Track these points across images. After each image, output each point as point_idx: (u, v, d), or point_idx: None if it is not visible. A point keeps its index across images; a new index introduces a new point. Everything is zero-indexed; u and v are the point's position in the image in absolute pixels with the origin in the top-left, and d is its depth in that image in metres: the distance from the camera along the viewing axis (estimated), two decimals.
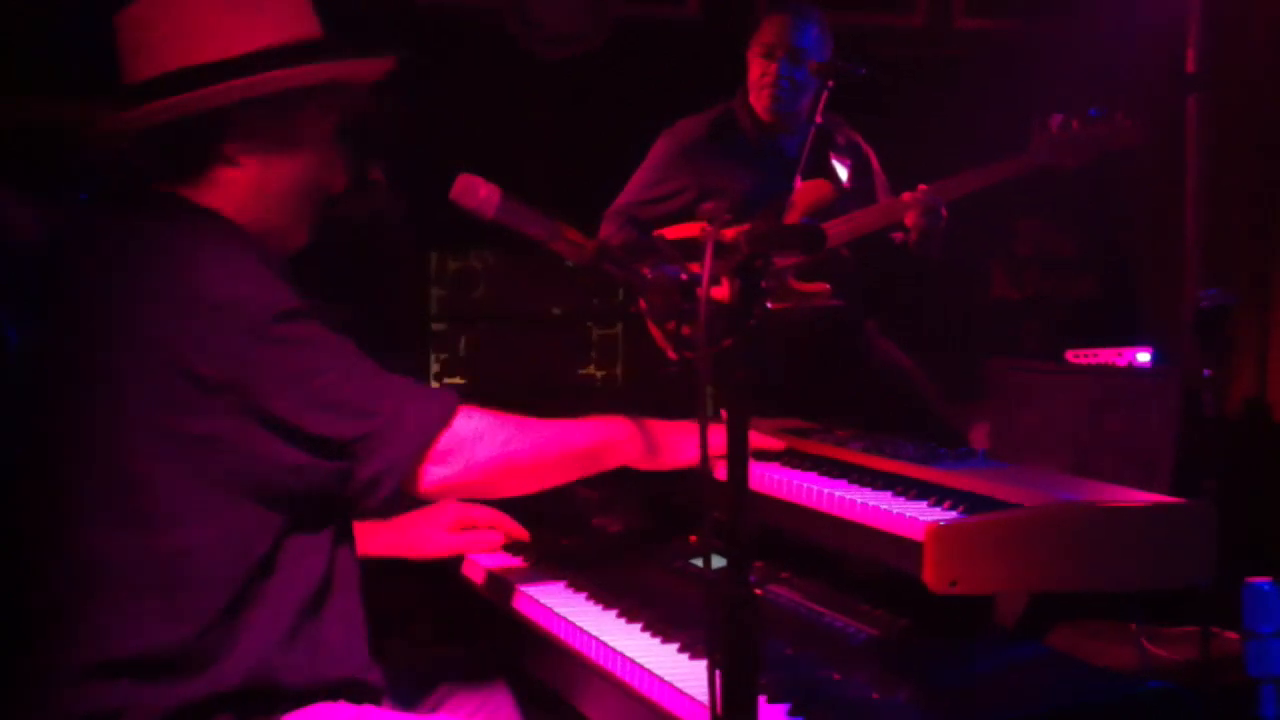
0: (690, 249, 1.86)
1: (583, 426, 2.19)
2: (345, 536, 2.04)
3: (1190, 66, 5.17)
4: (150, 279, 1.89)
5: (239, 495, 1.88)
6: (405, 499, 2.06)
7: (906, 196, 3.89)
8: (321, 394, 1.89)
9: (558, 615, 2.22)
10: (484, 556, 2.58)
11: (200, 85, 1.96)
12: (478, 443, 2.02)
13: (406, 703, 2.21)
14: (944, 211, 3.89)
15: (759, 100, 4.15)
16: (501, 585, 2.46)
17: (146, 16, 2.03)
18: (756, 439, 2.40)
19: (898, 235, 4.00)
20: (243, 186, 2.02)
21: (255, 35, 2.01)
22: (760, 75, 4.13)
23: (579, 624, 2.16)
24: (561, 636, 2.19)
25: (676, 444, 2.25)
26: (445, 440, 1.99)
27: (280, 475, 1.89)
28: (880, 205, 4.03)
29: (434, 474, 1.99)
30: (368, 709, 1.99)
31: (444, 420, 1.99)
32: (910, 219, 3.87)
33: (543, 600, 2.31)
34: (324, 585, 1.97)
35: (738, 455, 1.64)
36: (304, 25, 2.07)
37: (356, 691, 2.00)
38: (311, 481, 1.91)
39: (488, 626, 2.49)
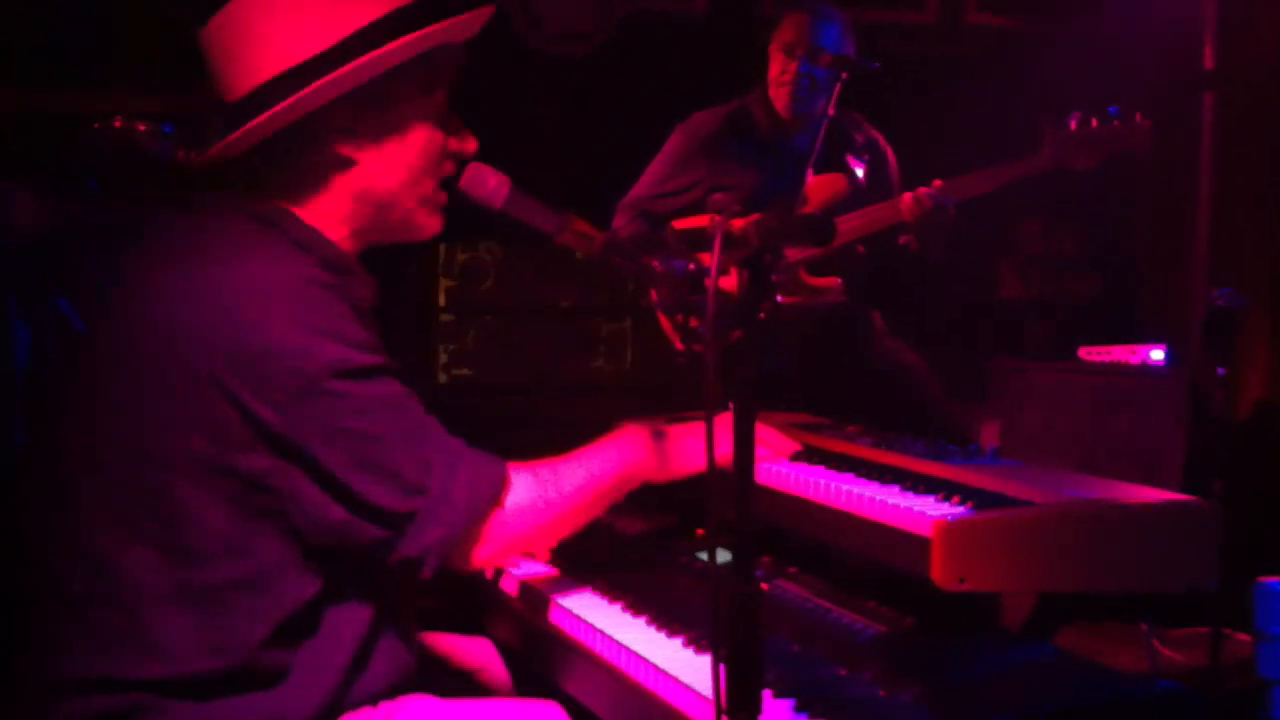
0: (699, 240, 1.84)
1: (607, 460, 2.13)
2: (394, 584, 1.97)
3: (1207, 64, 5.15)
4: (218, 309, 1.82)
5: (278, 538, 1.84)
6: None
7: (922, 191, 3.87)
8: (374, 459, 1.83)
9: (562, 607, 2.22)
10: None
11: (292, 90, 1.88)
12: (521, 516, 1.97)
13: None
14: (952, 210, 3.87)
15: (778, 97, 4.14)
16: (502, 576, 2.45)
17: (229, 26, 1.95)
18: (774, 439, 2.37)
19: (902, 238, 3.99)
20: (360, 188, 1.97)
21: (340, 22, 1.92)
22: (780, 73, 4.12)
23: (584, 617, 2.15)
24: (565, 629, 2.18)
25: (690, 451, 2.20)
26: (493, 520, 1.94)
27: (322, 529, 1.84)
28: (888, 202, 4.01)
29: (480, 553, 1.95)
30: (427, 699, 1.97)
31: (494, 500, 1.94)
32: (915, 215, 3.85)
33: (547, 591, 2.31)
34: (372, 632, 1.93)
35: (744, 448, 1.63)
36: (391, 2, 1.96)
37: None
38: (352, 543, 1.86)
39: (486, 611, 2.47)
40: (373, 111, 1.95)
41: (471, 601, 2.54)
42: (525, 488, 1.98)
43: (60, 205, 2.79)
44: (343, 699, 1.90)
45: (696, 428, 2.20)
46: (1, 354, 2.27)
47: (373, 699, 1.94)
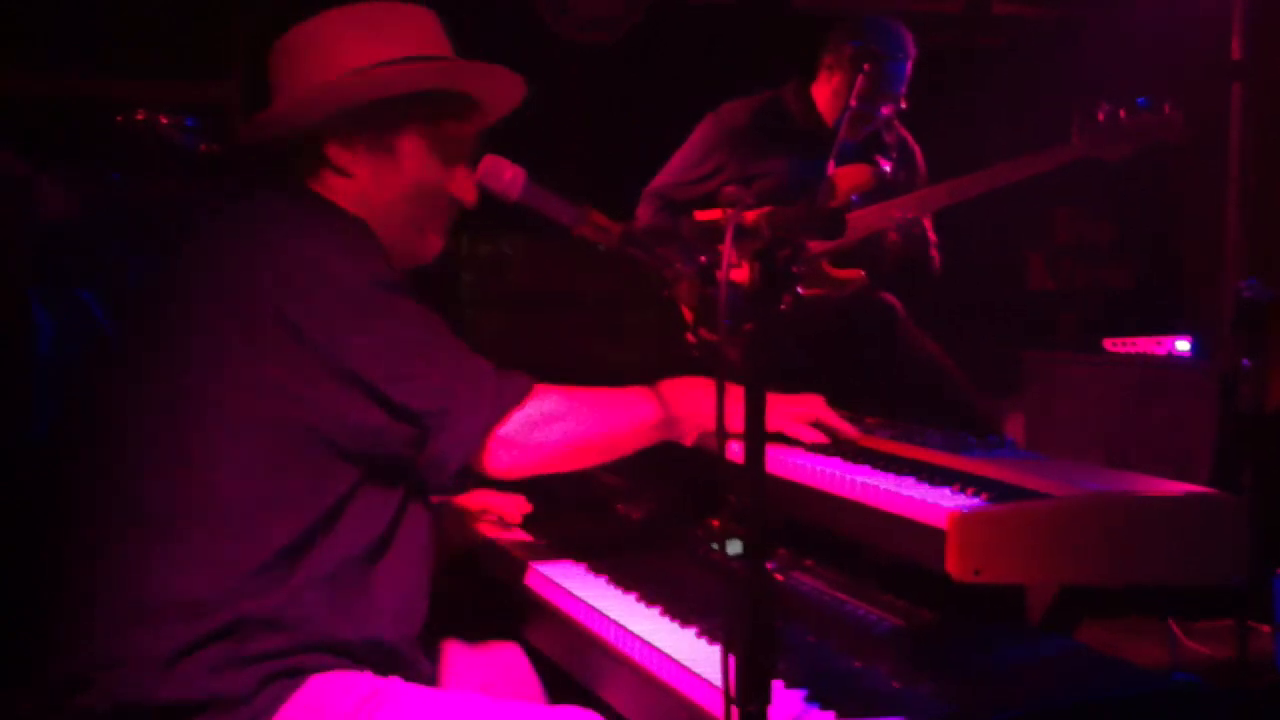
0: (715, 233, 1.84)
1: (651, 400, 2.19)
2: (416, 510, 2.08)
3: (1235, 54, 5.09)
4: (263, 242, 2.00)
5: (313, 453, 1.94)
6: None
7: (895, 214, 3.91)
8: (405, 363, 1.97)
9: (576, 597, 2.22)
10: (503, 536, 2.59)
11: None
12: (548, 425, 2.07)
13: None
14: (930, 234, 3.93)
15: (833, 111, 4.11)
16: (522, 567, 2.46)
17: (289, 47, 2.17)
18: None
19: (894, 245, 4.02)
20: (353, 194, 2.12)
21: (365, 54, 2.12)
22: (844, 91, 4.05)
23: (598, 606, 2.16)
24: (579, 619, 2.19)
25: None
26: (515, 423, 2.04)
27: (357, 437, 1.96)
28: (874, 208, 4.02)
29: (502, 456, 2.05)
30: (394, 681, 2.00)
31: (515, 403, 2.04)
32: (892, 230, 3.89)
33: (562, 582, 2.31)
34: (380, 546, 2.01)
35: (755, 439, 1.62)
36: (418, 45, 2.15)
37: (397, 664, 2.03)
38: (385, 446, 1.98)
39: (507, 608, 2.49)
40: (369, 131, 2.12)
41: (481, 589, 2.57)
42: (553, 401, 2.08)
43: (84, 195, 2.82)
44: (329, 613, 1.95)
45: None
46: (24, 344, 2.30)
47: (381, 646, 1.99)
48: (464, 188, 2.19)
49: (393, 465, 2.02)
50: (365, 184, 2.12)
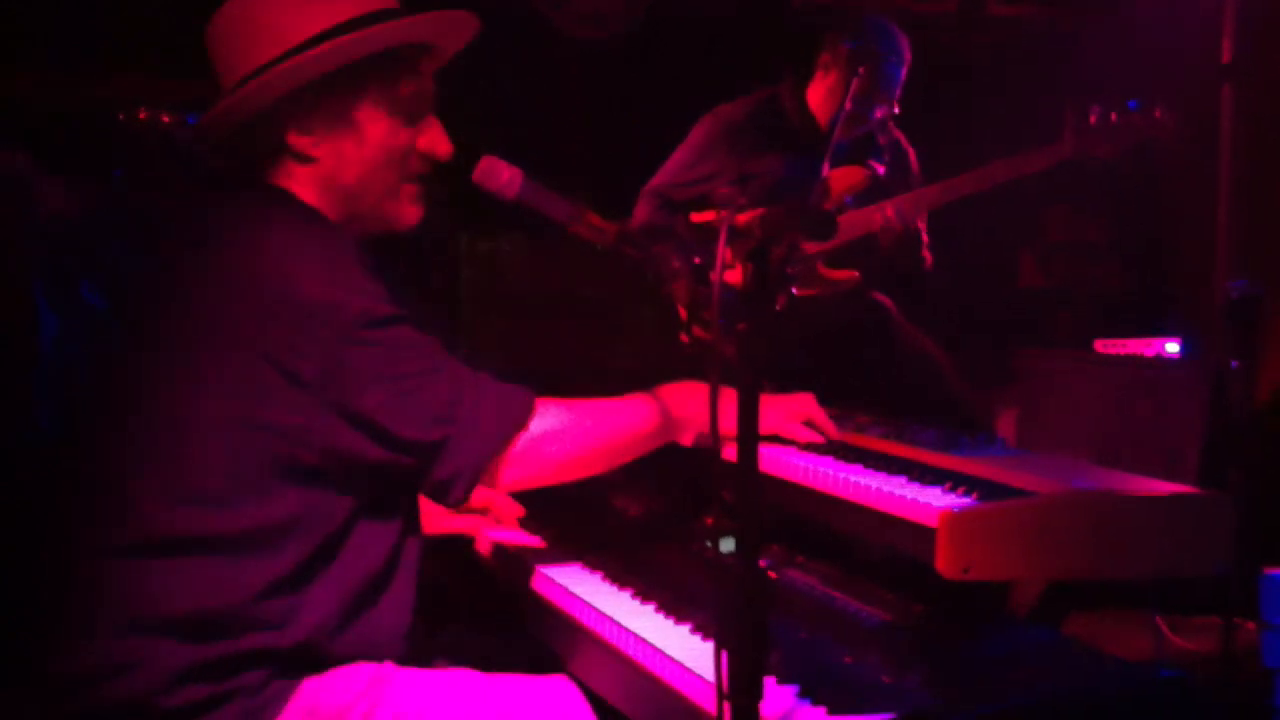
0: (710, 233, 1.87)
1: (650, 407, 2.20)
2: (413, 526, 2.09)
3: (1227, 56, 5.11)
4: (245, 275, 1.93)
5: (312, 484, 1.93)
6: None
7: (890, 211, 3.93)
8: (403, 396, 1.94)
9: (572, 594, 2.24)
10: (500, 534, 2.62)
11: (248, 84, 2.02)
12: (552, 441, 2.07)
13: None
14: (921, 232, 3.95)
15: (827, 110, 4.14)
16: (517, 563, 2.49)
17: (224, 24, 2.08)
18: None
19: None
20: (322, 178, 2.07)
21: (315, 21, 2.04)
22: (839, 91, 4.09)
23: (594, 603, 2.18)
24: (575, 615, 2.21)
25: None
26: (519, 442, 2.04)
27: (359, 469, 1.95)
28: (868, 209, 4.04)
29: (509, 474, 2.05)
30: (387, 666, 2.04)
31: (519, 424, 2.04)
32: (880, 229, 3.91)
33: (557, 579, 2.33)
34: (386, 570, 2.02)
35: (748, 438, 1.65)
36: (365, 5, 2.08)
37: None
38: (388, 476, 1.98)
39: (500, 602, 2.52)
40: (327, 108, 2.05)
41: (476, 583, 2.59)
42: (556, 415, 2.08)
43: (87, 193, 2.84)
44: (337, 635, 1.97)
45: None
46: (28, 341, 2.32)
47: (374, 649, 2.01)
48: (433, 139, 2.15)
49: (394, 492, 2.02)
50: (329, 167, 2.07)
